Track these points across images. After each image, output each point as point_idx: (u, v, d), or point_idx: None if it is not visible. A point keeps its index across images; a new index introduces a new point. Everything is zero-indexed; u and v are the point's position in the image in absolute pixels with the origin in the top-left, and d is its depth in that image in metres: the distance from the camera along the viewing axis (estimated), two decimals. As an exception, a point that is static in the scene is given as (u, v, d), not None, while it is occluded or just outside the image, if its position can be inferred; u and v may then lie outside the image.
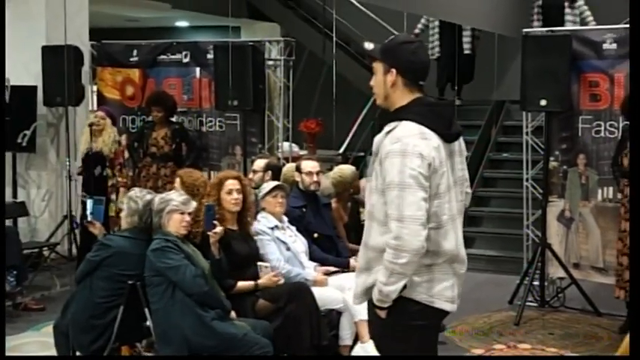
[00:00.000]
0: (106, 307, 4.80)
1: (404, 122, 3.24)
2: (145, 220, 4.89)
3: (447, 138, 3.29)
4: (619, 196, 6.58)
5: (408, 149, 3.13)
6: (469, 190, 3.55)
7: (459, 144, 3.42)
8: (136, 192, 5.01)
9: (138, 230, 4.90)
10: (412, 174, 3.11)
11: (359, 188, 6.40)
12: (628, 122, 6.41)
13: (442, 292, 3.31)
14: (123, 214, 5.06)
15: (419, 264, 3.20)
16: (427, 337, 3.44)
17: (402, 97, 3.31)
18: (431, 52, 10.22)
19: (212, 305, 4.69)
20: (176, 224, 4.80)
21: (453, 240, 3.32)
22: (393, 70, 3.29)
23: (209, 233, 4.86)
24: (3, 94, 7.57)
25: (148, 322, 4.77)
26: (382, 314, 3.30)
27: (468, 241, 9.14)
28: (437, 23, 10.19)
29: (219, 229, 4.88)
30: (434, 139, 3.22)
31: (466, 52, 10.20)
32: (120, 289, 4.80)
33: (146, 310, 4.77)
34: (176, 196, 4.88)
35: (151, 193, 5.01)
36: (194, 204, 4.93)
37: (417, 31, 10.57)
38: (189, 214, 4.86)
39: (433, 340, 3.52)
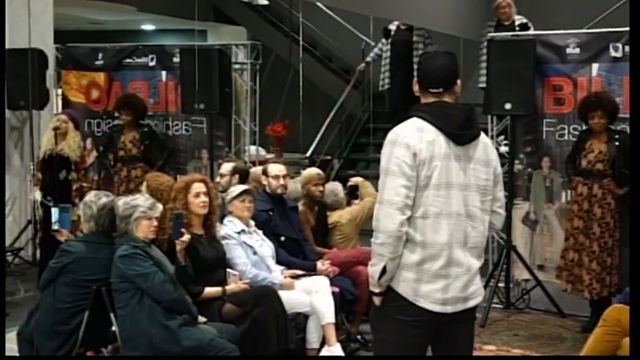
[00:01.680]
0: (70, 312, 4.75)
1: (410, 118, 3.47)
2: (102, 224, 4.84)
3: (456, 139, 3.41)
4: (572, 194, 6.66)
5: (398, 139, 3.36)
6: (500, 211, 3.61)
7: (484, 153, 3.51)
8: (90, 196, 4.97)
9: (98, 234, 4.86)
10: (396, 162, 3.33)
11: (323, 192, 6.41)
12: (585, 125, 6.52)
13: (430, 294, 3.40)
14: (81, 220, 5.02)
15: (410, 258, 3.38)
16: (409, 333, 3.47)
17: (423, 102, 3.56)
18: (381, 82, 10.20)
19: (180, 311, 4.66)
20: (144, 230, 4.77)
21: (445, 235, 3.40)
22: (415, 79, 3.55)
23: (176, 242, 4.83)
24: (3, 93, 7.46)
25: (114, 328, 4.74)
26: (376, 301, 3.50)
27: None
28: (389, 54, 10.06)
29: (186, 237, 4.86)
30: (431, 134, 3.38)
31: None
32: (84, 295, 4.75)
33: (112, 316, 4.73)
34: (142, 202, 4.83)
35: (107, 196, 4.96)
36: (160, 207, 4.90)
37: (368, 59, 10.52)
38: (157, 218, 4.83)
39: (418, 337, 3.50)
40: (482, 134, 3.54)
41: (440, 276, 3.40)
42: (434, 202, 3.37)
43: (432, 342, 3.57)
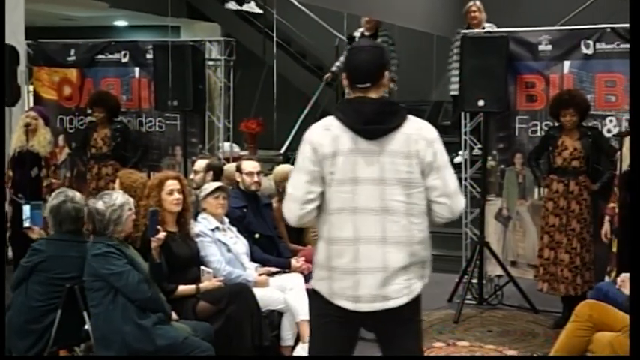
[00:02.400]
0: (43, 310, 4.70)
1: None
2: (59, 224, 4.82)
3: (364, 134, 3.38)
4: (545, 192, 6.70)
5: (305, 137, 3.45)
6: (441, 200, 3.44)
7: (405, 145, 3.38)
8: (51, 196, 4.94)
9: (69, 233, 4.82)
10: (300, 158, 3.44)
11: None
12: (557, 122, 6.55)
13: (342, 291, 3.41)
14: None
15: (320, 255, 3.46)
16: (332, 330, 3.51)
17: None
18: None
19: (154, 309, 4.63)
20: (130, 227, 4.78)
21: (349, 231, 3.38)
22: (344, 75, 3.52)
23: (152, 239, 4.80)
24: (3, 93, 7.36)
25: (87, 326, 4.70)
26: None
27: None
28: None
29: (162, 234, 4.83)
30: (337, 130, 3.40)
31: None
32: (56, 293, 4.70)
33: (85, 314, 4.69)
34: (124, 199, 4.74)
35: (60, 195, 4.90)
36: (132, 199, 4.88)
37: (334, 68, 10.30)
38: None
39: (341, 335, 3.52)
40: (408, 126, 3.41)
41: (348, 272, 3.38)
42: (337, 198, 3.38)
43: (378, 342, 3.60)
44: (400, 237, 3.39)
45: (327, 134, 3.39)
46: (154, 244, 4.80)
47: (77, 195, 5.00)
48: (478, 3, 9.02)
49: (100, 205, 4.67)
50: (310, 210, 3.42)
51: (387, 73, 3.49)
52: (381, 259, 3.38)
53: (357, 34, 9.71)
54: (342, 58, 9.82)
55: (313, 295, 3.55)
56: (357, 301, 3.39)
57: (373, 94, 3.44)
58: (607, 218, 6.11)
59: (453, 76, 9.08)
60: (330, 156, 3.37)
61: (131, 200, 4.83)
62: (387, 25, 9.13)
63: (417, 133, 3.41)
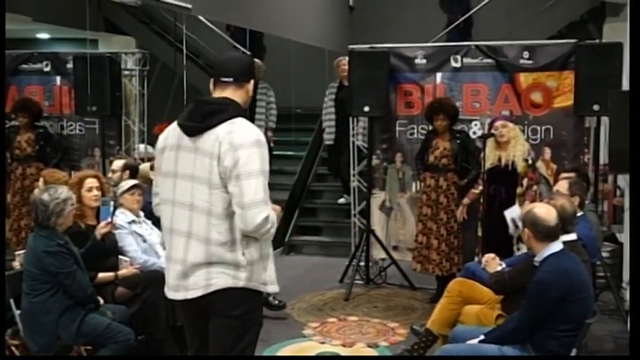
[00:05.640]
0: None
1: None
2: None
3: (185, 130, 3.18)
4: (420, 185, 6.83)
5: None
6: (236, 209, 3.02)
7: (212, 146, 3.06)
8: None
9: None
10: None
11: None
12: (431, 126, 6.66)
13: (168, 281, 3.28)
14: None
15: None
16: (184, 321, 3.43)
17: None
18: None
19: (89, 302, 4.51)
20: (70, 219, 4.62)
21: (167, 221, 3.24)
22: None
23: (103, 223, 4.85)
24: (3, 94, 6.94)
25: (16, 312, 4.50)
26: None
27: (305, 230, 9.31)
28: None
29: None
30: (172, 126, 3.28)
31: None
32: None
33: (11, 302, 4.51)
34: (68, 195, 4.56)
35: None
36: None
37: None
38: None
39: (188, 323, 3.38)
40: (223, 128, 3.07)
41: (170, 260, 3.24)
42: (163, 189, 3.27)
43: None
44: (200, 235, 3.10)
45: (166, 131, 3.30)
46: (103, 230, 4.84)
47: None
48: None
49: (45, 196, 4.47)
50: (156, 203, 3.35)
51: (252, 81, 3.25)
52: (182, 252, 3.14)
53: None
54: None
55: None
56: (169, 289, 3.25)
57: (224, 94, 3.19)
58: (464, 201, 6.30)
59: (328, 127, 8.68)
60: (160, 151, 3.29)
61: (74, 197, 4.67)
62: (266, 81, 8.85)
63: (226, 136, 3.05)
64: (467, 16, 9.88)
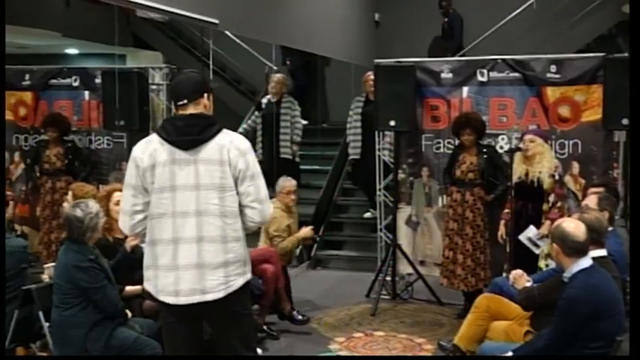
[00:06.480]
0: None
1: None
2: None
3: (178, 144, 3.37)
4: (447, 200, 6.78)
5: (131, 155, 3.47)
6: (254, 205, 3.42)
7: (218, 154, 3.36)
8: None
9: None
10: (127, 174, 3.49)
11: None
12: (457, 140, 6.62)
13: (165, 287, 3.39)
14: None
15: (147, 257, 3.44)
16: (169, 328, 3.51)
17: None
18: (256, 153, 9.36)
19: (118, 316, 4.52)
20: (101, 232, 4.66)
21: (169, 233, 3.37)
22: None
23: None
24: (3, 96, 7.06)
25: (45, 325, 4.52)
26: None
27: (331, 244, 9.29)
28: (260, 125, 9.18)
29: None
30: (155, 144, 3.39)
31: (283, 156, 8.88)
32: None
33: (40, 314, 4.54)
34: (98, 207, 4.57)
35: None
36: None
37: (240, 130, 9.40)
38: None
39: (175, 328, 3.49)
40: (221, 137, 3.40)
41: (170, 269, 3.37)
42: (158, 204, 3.38)
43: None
44: (214, 236, 3.36)
45: (146, 149, 3.39)
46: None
47: None
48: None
49: (78, 212, 4.44)
50: (140, 219, 3.43)
51: (205, 95, 3.49)
52: (196, 257, 3.34)
53: (264, 100, 9.19)
54: (249, 122, 9.32)
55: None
56: (177, 295, 3.36)
57: (191, 111, 3.43)
58: (502, 222, 6.23)
59: (353, 140, 8.68)
60: (150, 168, 3.37)
61: (101, 208, 4.70)
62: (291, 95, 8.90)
63: (231, 144, 3.40)
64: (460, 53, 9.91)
